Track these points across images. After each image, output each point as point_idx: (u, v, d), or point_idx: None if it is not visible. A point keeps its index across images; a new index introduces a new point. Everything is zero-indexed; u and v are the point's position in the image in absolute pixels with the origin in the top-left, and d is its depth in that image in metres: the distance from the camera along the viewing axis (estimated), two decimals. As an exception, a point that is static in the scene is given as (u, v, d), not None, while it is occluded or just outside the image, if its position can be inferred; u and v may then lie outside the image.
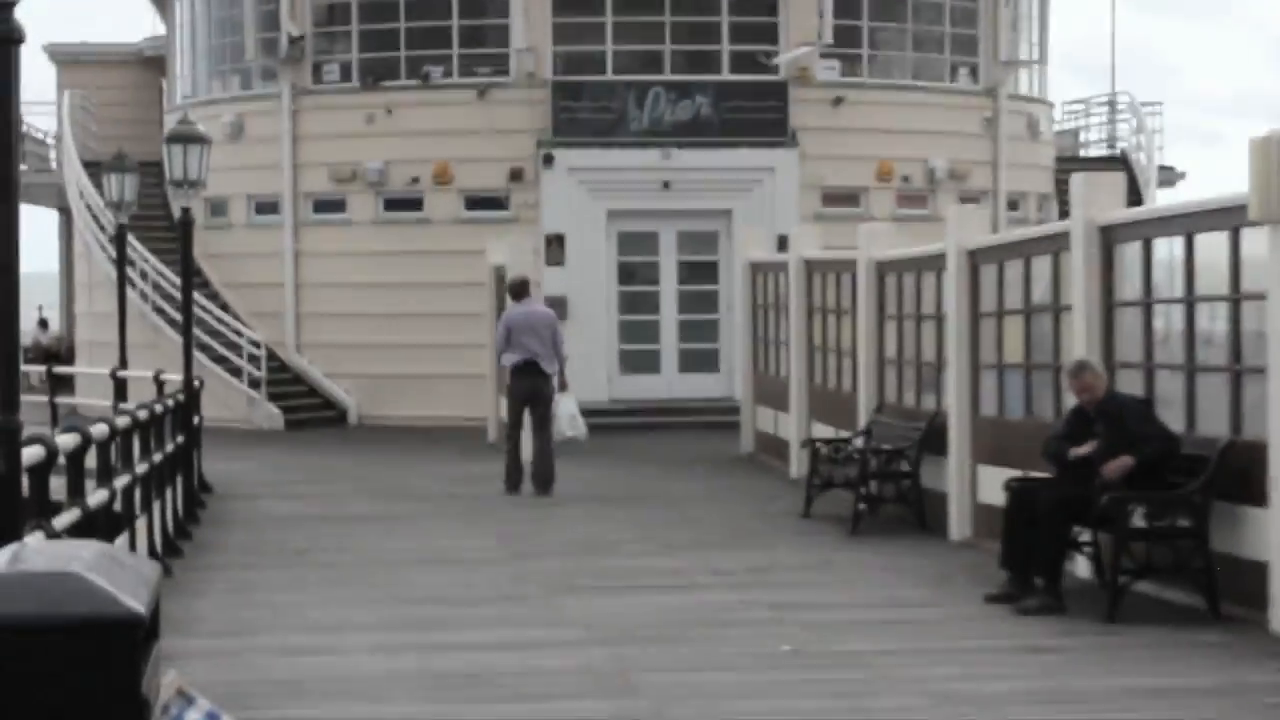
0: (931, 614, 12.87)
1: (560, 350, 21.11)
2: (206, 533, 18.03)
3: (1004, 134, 34.51)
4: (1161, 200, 36.13)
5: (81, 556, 5.37)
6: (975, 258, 16.81)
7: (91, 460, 11.88)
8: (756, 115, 32.19)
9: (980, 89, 34.57)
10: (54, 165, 41.38)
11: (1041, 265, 15.48)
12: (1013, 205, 34.78)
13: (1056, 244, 15.01)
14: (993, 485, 15.10)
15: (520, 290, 21.49)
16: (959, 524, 16.75)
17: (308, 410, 32.35)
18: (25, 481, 8.96)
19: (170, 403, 18.08)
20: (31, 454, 9.14)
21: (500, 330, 21.24)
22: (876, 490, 17.73)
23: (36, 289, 40.16)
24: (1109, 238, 14.10)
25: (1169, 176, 40.61)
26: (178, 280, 28.48)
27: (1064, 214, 25.40)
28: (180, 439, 18.36)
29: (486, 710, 9.89)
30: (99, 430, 12.04)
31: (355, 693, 10.31)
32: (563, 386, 21.30)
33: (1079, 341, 14.12)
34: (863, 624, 12.39)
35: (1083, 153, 40.96)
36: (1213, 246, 12.64)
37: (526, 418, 21.00)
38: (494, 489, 21.18)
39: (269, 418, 31.56)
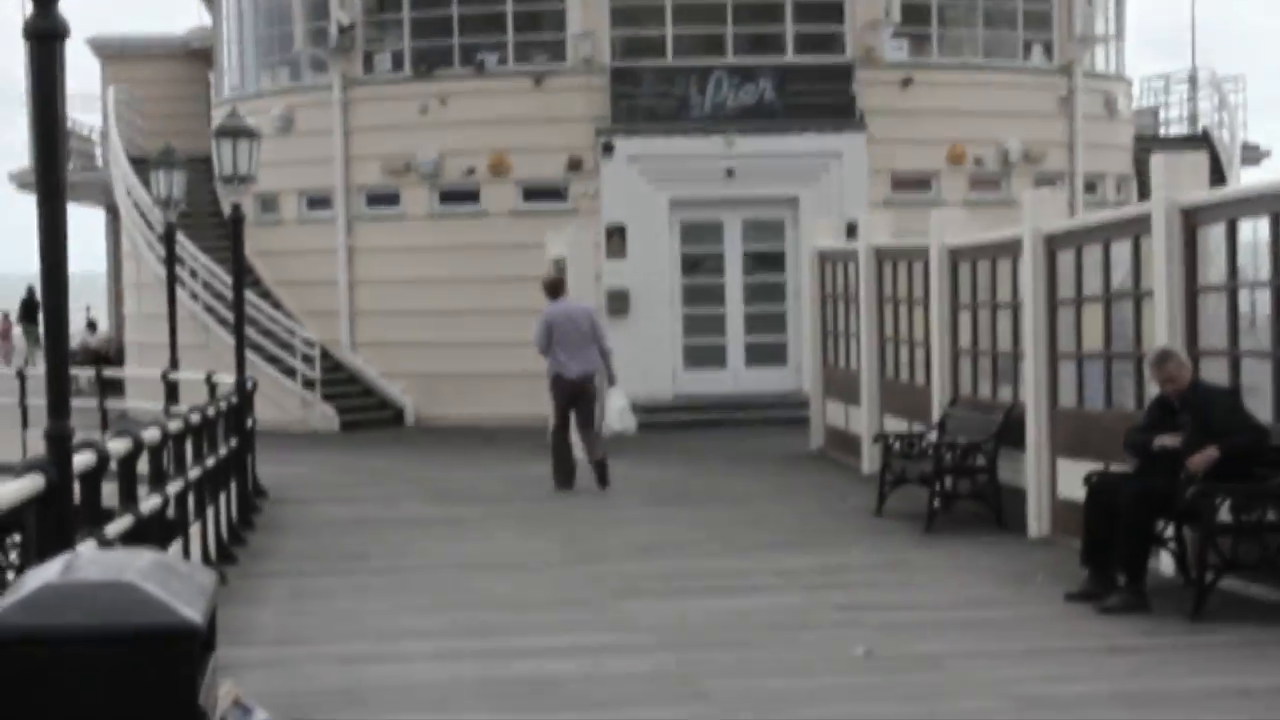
0: (1010, 614, 12.86)
1: (604, 344, 21.55)
2: (262, 538, 18.14)
3: (1080, 113, 34.35)
4: (1246, 180, 35.91)
5: (136, 565, 5.43)
6: (1052, 243, 16.76)
7: (144, 465, 11.98)
8: (822, 98, 32.14)
9: (1055, 67, 34.41)
10: (100, 162, 41.68)
11: (1121, 250, 15.43)
12: (1090, 187, 34.63)
13: (1137, 227, 14.96)
14: (1072, 479, 15.06)
15: (556, 288, 22.00)
16: (1038, 520, 16.71)
17: (363, 411, 32.49)
18: (76, 488, 9.05)
19: (223, 405, 18.19)
20: (82, 460, 9.23)
21: (541, 329, 21.60)
22: (952, 486, 17.70)
23: (84, 290, 40.44)
24: (1192, 220, 14.05)
25: (1253, 155, 40.32)
26: (229, 279, 28.69)
27: (1144, 196, 25.29)
28: (234, 442, 18.48)
29: (551, 718, 9.94)
30: (151, 434, 12.14)
31: (417, 702, 10.37)
32: (611, 380, 21.79)
33: (1161, 328, 14.07)
34: (939, 625, 12.38)
35: (1163, 131, 40.73)
36: (1300, 228, 12.58)
37: (572, 416, 21.54)
38: (554, 490, 21.34)
39: (324, 419, 31.71)
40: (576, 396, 21.44)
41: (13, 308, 53.89)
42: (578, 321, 21.51)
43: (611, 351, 21.82)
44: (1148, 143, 36.31)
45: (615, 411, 21.91)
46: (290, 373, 32.02)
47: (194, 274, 33.09)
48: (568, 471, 21.49)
